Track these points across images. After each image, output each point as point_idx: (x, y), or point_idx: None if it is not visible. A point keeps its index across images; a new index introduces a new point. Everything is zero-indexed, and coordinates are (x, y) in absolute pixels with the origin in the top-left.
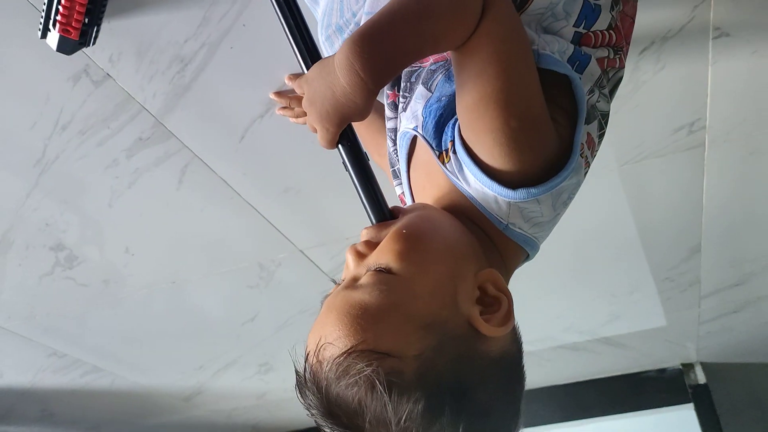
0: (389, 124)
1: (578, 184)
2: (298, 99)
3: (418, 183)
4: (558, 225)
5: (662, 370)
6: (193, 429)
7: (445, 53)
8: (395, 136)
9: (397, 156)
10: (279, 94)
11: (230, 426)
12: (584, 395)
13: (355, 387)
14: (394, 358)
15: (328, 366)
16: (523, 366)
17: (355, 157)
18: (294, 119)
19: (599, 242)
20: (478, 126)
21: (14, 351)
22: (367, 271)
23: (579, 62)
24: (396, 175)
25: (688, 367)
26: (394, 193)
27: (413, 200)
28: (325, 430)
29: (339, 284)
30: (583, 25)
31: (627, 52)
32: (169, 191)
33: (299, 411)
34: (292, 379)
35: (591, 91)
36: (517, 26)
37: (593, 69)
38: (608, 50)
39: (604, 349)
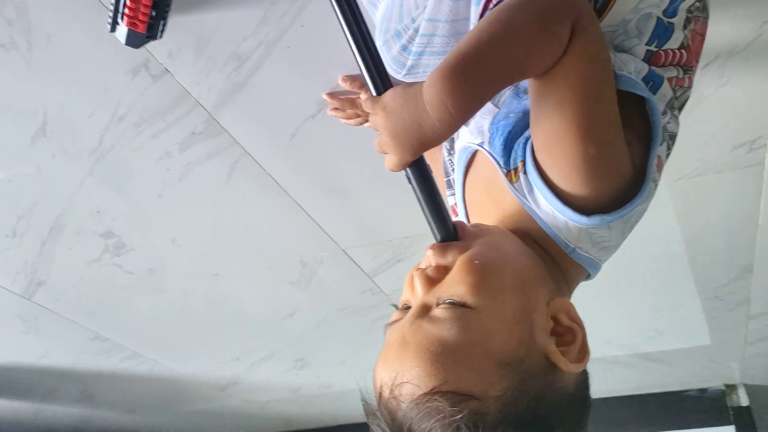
0: None
1: (645, 209)
2: (350, 101)
3: (475, 197)
4: None
5: (704, 390)
6: (227, 418)
7: None
8: (451, 146)
9: (453, 167)
10: (332, 95)
11: (263, 417)
12: (622, 411)
13: (439, 429)
14: (477, 399)
15: (409, 406)
16: (590, 393)
17: (422, 174)
18: (345, 120)
19: (646, 256)
20: (556, 151)
21: (59, 333)
22: (439, 300)
23: (653, 83)
24: (450, 185)
25: (731, 388)
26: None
27: (466, 212)
28: None
29: (402, 310)
30: (655, 44)
31: (696, 70)
32: (219, 185)
33: (331, 407)
34: (327, 376)
35: (663, 113)
36: (604, 51)
37: (666, 90)
38: (677, 69)
39: (644, 365)
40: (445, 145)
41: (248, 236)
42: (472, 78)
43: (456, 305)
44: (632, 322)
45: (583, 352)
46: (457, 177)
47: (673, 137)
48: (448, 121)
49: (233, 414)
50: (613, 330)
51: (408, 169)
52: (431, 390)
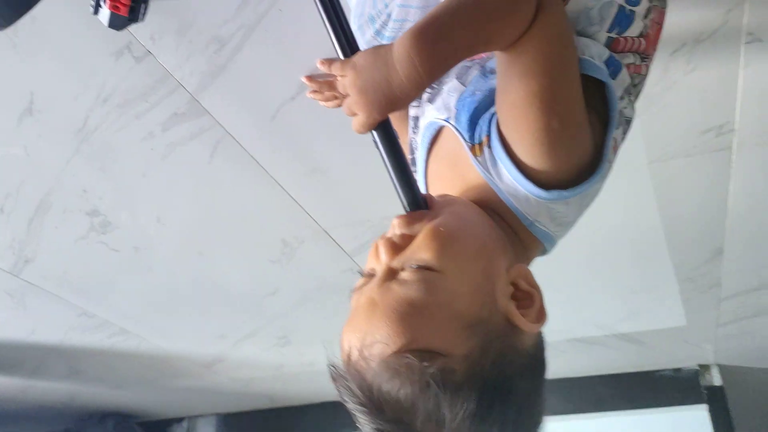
0: (411, 112)
1: (600, 188)
2: (328, 83)
3: (438, 173)
4: (583, 219)
5: (678, 370)
6: (213, 395)
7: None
8: (415, 124)
9: (417, 145)
10: (310, 78)
11: (248, 394)
12: (598, 389)
13: (408, 386)
14: (445, 357)
15: (379, 365)
16: (545, 355)
17: (389, 142)
18: (323, 102)
19: (623, 238)
20: (520, 123)
21: (47, 309)
22: (405, 265)
23: (613, 68)
24: (413, 163)
25: (705, 368)
26: None
27: (427, 188)
28: (361, 420)
29: (367, 276)
30: (615, 31)
31: (653, 59)
32: (201, 165)
33: (314, 385)
34: (309, 354)
35: (621, 98)
36: (567, 29)
37: (624, 76)
38: (635, 56)
39: (620, 345)
40: (411, 124)
41: (230, 215)
42: (441, 40)
43: (422, 269)
44: (609, 303)
45: (541, 314)
46: (420, 153)
47: (628, 122)
48: (416, 80)
49: (219, 391)
50: (591, 311)
51: (375, 133)
52: (401, 348)
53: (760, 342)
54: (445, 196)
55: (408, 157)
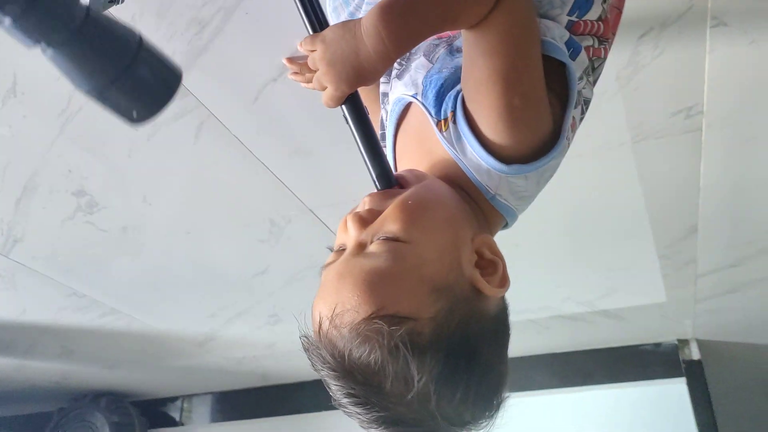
0: (381, 88)
1: (559, 164)
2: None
3: (405, 147)
4: (564, 197)
5: (658, 344)
6: (206, 373)
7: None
8: (384, 100)
9: (385, 120)
10: (291, 60)
11: (241, 372)
12: (580, 363)
13: (378, 350)
14: (413, 320)
15: (349, 331)
16: (509, 322)
17: (359, 116)
18: (305, 84)
19: (603, 216)
20: (484, 100)
21: (37, 289)
22: (373, 238)
23: (573, 49)
24: (382, 138)
25: (684, 342)
26: None
27: (395, 163)
28: (333, 386)
29: (337, 251)
30: (576, 14)
31: (612, 43)
32: (186, 146)
33: (306, 363)
34: (299, 334)
35: (580, 78)
36: (531, 11)
37: (583, 58)
38: (593, 39)
39: (602, 321)
40: (381, 100)
41: (217, 195)
42: (409, 15)
43: (390, 240)
44: (589, 280)
45: (504, 280)
46: (388, 128)
47: (587, 102)
48: (383, 53)
49: (212, 369)
50: (572, 288)
51: (344, 107)
52: (370, 315)
53: (736, 317)
54: (413, 171)
55: (378, 132)
